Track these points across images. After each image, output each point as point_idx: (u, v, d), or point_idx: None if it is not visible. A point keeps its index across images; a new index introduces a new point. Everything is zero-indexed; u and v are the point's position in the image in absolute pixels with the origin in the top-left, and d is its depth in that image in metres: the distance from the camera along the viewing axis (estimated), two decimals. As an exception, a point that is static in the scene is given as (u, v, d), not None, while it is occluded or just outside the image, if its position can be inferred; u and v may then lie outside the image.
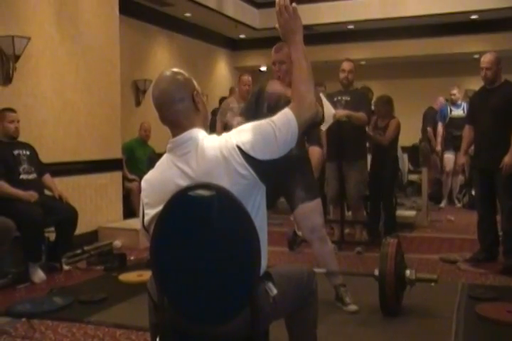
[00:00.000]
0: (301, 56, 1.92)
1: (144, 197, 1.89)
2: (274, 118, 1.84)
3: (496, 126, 4.41)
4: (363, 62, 9.97)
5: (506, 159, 4.28)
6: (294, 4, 1.94)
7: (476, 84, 5.86)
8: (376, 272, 3.35)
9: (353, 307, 3.50)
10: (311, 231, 3.48)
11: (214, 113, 7.18)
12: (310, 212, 3.44)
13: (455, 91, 7.73)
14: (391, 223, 5.60)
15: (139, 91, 7.79)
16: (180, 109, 1.86)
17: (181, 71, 1.93)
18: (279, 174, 3.00)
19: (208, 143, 1.81)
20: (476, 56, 7.70)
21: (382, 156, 5.59)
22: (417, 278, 3.37)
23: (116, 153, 6.15)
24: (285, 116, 1.84)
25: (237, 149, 1.75)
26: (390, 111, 5.72)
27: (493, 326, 3.23)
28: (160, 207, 1.74)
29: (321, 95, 4.83)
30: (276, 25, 1.96)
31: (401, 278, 3.34)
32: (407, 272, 3.38)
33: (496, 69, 4.45)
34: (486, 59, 4.48)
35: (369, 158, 5.67)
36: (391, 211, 5.69)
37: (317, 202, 3.48)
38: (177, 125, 1.87)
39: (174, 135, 1.87)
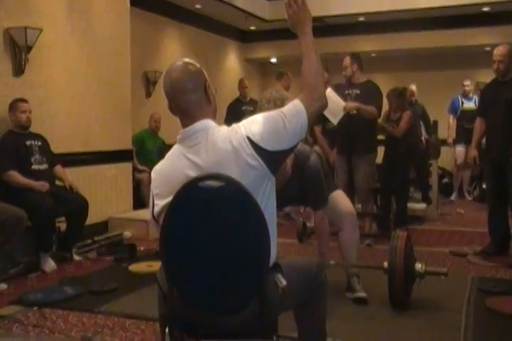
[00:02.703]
0: (310, 47, 1.91)
1: (154, 188, 1.89)
2: (284, 110, 1.84)
3: (507, 119, 4.39)
4: (373, 54, 9.90)
5: (517, 152, 4.26)
6: None
7: (487, 76, 5.80)
8: (386, 265, 3.35)
9: (361, 294, 3.49)
10: (345, 215, 3.51)
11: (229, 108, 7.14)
12: (343, 198, 3.57)
13: (468, 82, 7.68)
14: (402, 216, 5.59)
15: (149, 82, 7.78)
16: (193, 99, 1.85)
17: (193, 61, 1.92)
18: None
19: (218, 134, 1.81)
20: (488, 48, 7.63)
21: (394, 149, 5.56)
22: (426, 271, 3.37)
23: (127, 144, 6.16)
24: (295, 107, 1.84)
25: (246, 140, 1.75)
26: (403, 103, 5.70)
27: (503, 319, 3.22)
28: (170, 198, 1.74)
29: (329, 89, 4.81)
30: (286, 17, 1.96)
31: (411, 271, 3.33)
32: (417, 265, 3.37)
33: (508, 62, 4.41)
34: (499, 52, 4.45)
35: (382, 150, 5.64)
36: (403, 204, 5.67)
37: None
38: (188, 115, 1.86)
39: (184, 125, 1.87)
